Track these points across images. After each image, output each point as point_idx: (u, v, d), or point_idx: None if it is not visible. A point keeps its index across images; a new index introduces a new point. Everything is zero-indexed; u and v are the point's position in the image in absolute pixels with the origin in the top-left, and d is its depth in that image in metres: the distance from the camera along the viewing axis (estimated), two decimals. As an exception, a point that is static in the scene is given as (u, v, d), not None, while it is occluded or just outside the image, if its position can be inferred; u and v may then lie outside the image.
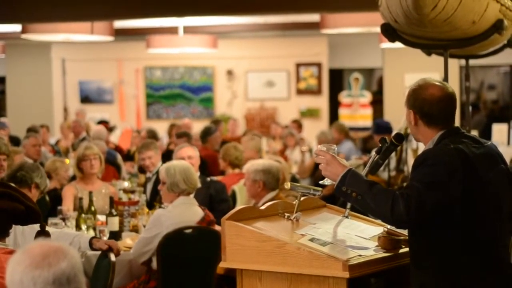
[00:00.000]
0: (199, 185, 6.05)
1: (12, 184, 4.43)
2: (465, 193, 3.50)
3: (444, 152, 3.54)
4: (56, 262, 2.38)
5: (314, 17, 12.44)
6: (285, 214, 3.99)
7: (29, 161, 7.45)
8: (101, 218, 6.63)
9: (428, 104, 3.64)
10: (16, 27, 12.66)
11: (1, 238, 3.91)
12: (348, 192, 3.58)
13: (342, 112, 16.57)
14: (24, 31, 11.00)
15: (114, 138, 14.59)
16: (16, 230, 4.78)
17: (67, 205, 6.97)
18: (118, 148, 12.06)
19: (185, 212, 5.82)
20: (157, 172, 7.71)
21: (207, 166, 9.13)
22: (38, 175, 5.74)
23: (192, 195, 5.97)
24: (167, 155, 8.76)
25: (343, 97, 16.62)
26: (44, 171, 5.92)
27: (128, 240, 6.25)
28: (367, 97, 16.52)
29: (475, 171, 3.55)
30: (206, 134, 10.57)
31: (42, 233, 4.09)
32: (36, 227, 4.23)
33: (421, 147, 9.00)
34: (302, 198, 4.04)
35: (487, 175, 3.59)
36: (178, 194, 5.87)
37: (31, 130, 11.27)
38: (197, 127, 14.08)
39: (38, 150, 9.35)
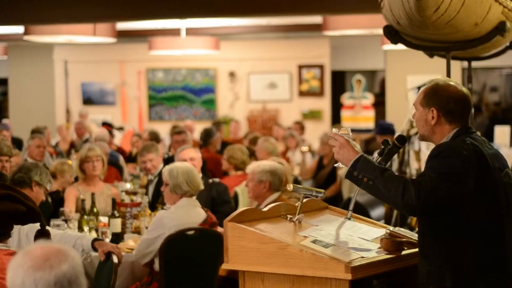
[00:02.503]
0: (202, 187, 6.04)
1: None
2: (477, 188, 3.55)
3: (461, 146, 3.59)
4: (57, 264, 2.38)
5: (317, 19, 12.44)
6: (288, 216, 3.99)
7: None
8: (104, 219, 6.63)
9: (453, 101, 3.70)
10: (18, 29, 12.67)
11: (3, 240, 3.91)
12: (359, 177, 3.61)
13: (344, 114, 16.57)
14: (26, 32, 11.01)
15: (119, 139, 14.61)
16: (20, 233, 4.78)
17: (69, 207, 6.97)
18: (120, 150, 12.06)
19: (188, 213, 5.82)
20: (159, 174, 7.71)
21: (209, 168, 9.13)
22: (36, 173, 5.66)
23: (194, 197, 5.97)
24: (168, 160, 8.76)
25: (346, 99, 16.61)
26: (44, 168, 5.84)
27: (130, 242, 6.24)
28: (370, 99, 16.52)
29: (489, 168, 3.61)
30: (207, 136, 10.56)
31: (42, 232, 4.09)
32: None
33: (423, 149, 9.01)
34: (304, 200, 4.03)
35: (499, 174, 3.65)
36: (180, 195, 5.87)
37: (36, 132, 11.26)
38: (199, 129, 14.07)
39: (41, 152, 9.36)
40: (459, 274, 3.55)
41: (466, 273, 3.55)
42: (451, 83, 3.77)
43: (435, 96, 3.72)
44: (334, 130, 3.83)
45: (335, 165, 3.97)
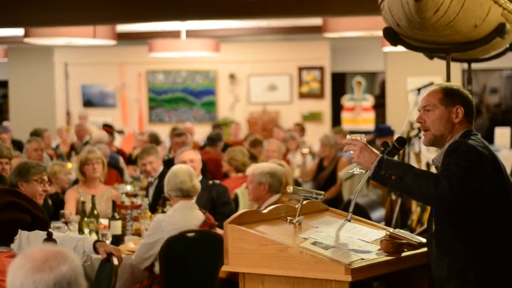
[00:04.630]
0: (199, 188, 6.02)
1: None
2: (493, 184, 3.61)
3: (475, 143, 3.67)
4: (56, 266, 2.38)
5: (317, 21, 12.44)
6: (288, 217, 3.99)
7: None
8: (104, 222, 6.63)
9: (471, 103, 3.84)
10: (18, 31, 12.67)
11: (6, 244, 3.92)
12: (386, 176, 3.63)
13: (345, 115, 16.57)
14: (26, 35, 11.01)
15: (119, 141, 14.60)
16: (21, 236, 4.78)
17: (70, 209, 6.97)
18: (120, 152, 12.06)
19: (186, 216, 5.81)
20: (159, 176, 7.72)
21: (209, 170, 9.13)
22: (18, 174, 5.53)
23: (193, 199, 5.97)
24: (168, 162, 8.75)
25: (346, 101, 16.62)
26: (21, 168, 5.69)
27: (130, 244, 6.24)
28: (370, 100, 16.52)
29: (500, 166, 3.67)
30: (216, 139, 10.66)
31: (49, 240, 4.10)
32: (42, 233, 4.22)
33: (424, 151, 8.99)
34: (304, 202, 4.04)
35: (506, 174, 3.71)
36: (178, 198, 5.88)
37: (35, 134, 11.25)
38: (199, 131, 14.08)
39: (40, 155, 9.33)
40: (482, 268, 3.59)
41: (489, 267, 3.59)
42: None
43: (458, 95, 3.80)
44: (348, 136, 3.84)
45: (349, 171, 3.97)
